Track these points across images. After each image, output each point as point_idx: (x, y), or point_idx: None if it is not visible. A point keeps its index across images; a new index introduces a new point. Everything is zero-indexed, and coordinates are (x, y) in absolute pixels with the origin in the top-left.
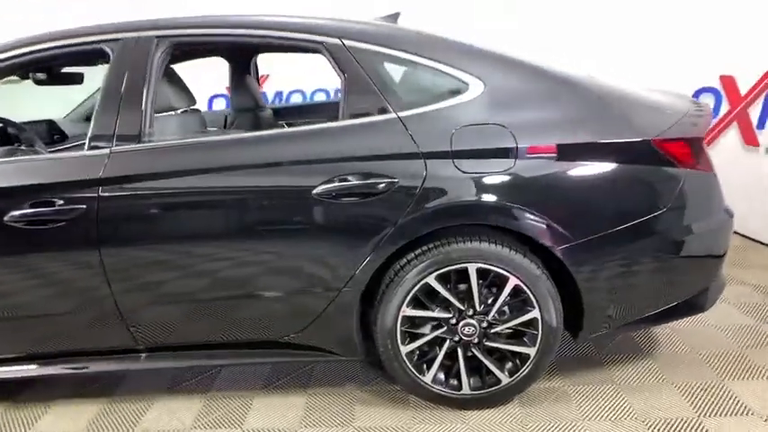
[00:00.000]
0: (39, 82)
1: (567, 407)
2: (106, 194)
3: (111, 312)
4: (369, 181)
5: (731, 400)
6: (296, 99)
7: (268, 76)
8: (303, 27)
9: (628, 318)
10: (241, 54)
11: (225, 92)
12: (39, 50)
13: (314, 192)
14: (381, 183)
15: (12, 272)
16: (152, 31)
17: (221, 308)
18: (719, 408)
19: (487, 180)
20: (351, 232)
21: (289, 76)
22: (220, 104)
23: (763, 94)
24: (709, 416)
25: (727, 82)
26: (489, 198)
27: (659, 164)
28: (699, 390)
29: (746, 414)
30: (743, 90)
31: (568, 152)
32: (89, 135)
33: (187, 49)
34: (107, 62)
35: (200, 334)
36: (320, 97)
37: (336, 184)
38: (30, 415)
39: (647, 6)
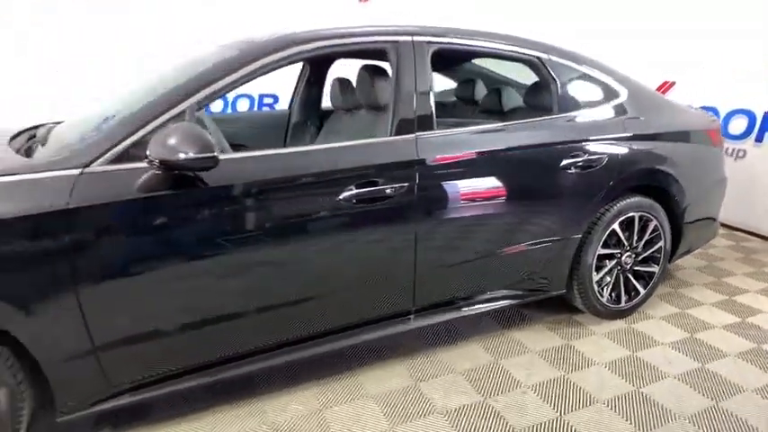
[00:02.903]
0: None
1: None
2: (422, 173)
3: (406, 277)
4: (590, 157)
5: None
6: (243, 103)
7: None
8: (526, 44)
9: (683, 250)
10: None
11: None
12: (334, 45)
13: (560, 164)
14: (598, 158)
15: (338, 250)
16: (424, 37)
17: (493, 262)
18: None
19: (649, 154)
20: (581, 193)
21: None
22: None
23: None
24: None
25: None
26: (654, 166)
27: (710, 145)
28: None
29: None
30: None
31: (677, 137)
32: (392, 122)
33: (440, 55)
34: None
35: (464, 290)
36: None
37: (571, 159)
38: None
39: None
